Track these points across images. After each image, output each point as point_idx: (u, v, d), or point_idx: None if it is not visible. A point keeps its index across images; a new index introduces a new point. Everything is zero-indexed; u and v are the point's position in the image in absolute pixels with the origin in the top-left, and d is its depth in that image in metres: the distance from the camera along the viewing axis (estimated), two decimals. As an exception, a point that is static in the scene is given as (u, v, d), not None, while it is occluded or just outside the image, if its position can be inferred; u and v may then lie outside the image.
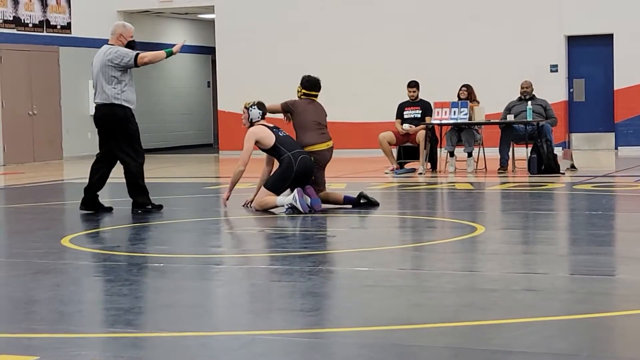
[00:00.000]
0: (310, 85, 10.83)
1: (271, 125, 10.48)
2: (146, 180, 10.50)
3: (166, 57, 10.47)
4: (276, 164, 10.44)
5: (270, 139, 10.30)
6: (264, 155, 10.61)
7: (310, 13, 21.35)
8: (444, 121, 15.06)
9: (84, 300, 6.13)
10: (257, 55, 21.57)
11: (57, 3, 21.29)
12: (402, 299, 5.80)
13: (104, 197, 10.74)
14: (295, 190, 10.03)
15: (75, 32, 21.67)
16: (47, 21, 21.04)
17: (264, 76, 21.16)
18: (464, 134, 15.25)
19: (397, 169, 15.42)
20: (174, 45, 10.54)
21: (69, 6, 21.62)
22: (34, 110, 20.58)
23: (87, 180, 10.52)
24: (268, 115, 10.60)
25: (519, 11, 19.91)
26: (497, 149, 15.04)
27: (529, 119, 14.68)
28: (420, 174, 14.82)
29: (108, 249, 8.15)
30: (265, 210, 10.18)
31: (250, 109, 10.51)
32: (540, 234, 8.66)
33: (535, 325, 4.98)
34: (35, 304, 5.88)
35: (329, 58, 20.35)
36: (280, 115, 10.98)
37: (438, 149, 15.49)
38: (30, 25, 20.64)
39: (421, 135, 15.18)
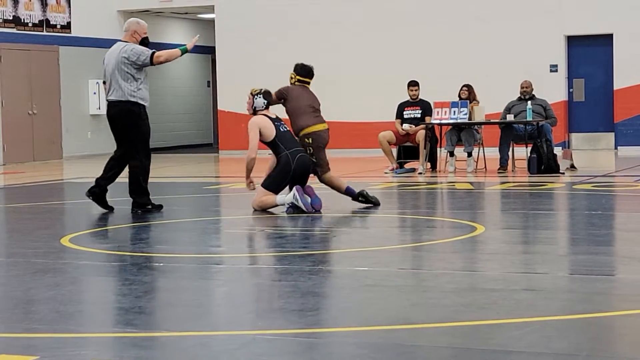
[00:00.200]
0: (305, 72, 10.94)
1: (274, 116, 10.41)
2: (146, 180, 10.50)
3: (181, 55, 10.47)
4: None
5: (271, 132, 10.24)
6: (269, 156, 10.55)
7: (311, 13, 21.35)
8: (443, 121, 15.06)
9: (84, 300, 6.13)
10: (257, 55, 21.57)
11: (56, 2, 21.29)
12: (402, 298, 5.80)
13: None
14: (295, 188, 10.01)
15: (75, 32, 21.68)
16: (47, 21, 21.04)
17: (264, 76, 21.10)
18: (463, 133, 15.25)
19: (396, 168, 15.43)
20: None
21: (69, 6, 21.62)
22: (34, 110, 20.58)
23: (88, 180, 10.51)
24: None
25: (519, 11, 19.91)
26: (497, 148, 15.04)
27: (529, 118, 14.69)
28: (420, 173, 14.82)
29: (108, 249, 8.15)
30: (265, 209, 10.17)
31: (255, 96, 10.46)
32: (540, 234, 8.66)
33: (535, 324, 4.98)
34: (35, 303, 5.88)
35: (329, 58, 20.33)
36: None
37: (438, 149, 15.49)
38: (30, 24, 20.64)
39: (421, 135, 15.19)
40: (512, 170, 14.93)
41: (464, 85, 15.73)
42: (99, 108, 21.76)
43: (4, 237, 9.37)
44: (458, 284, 6.19)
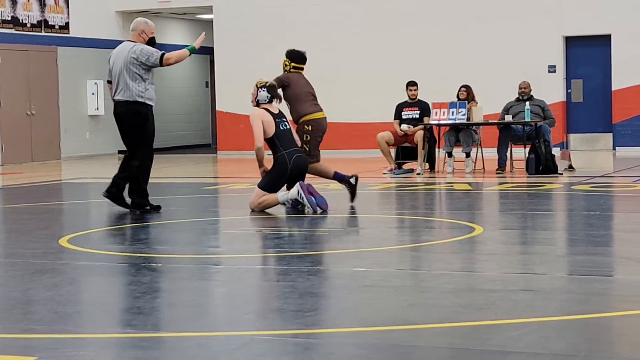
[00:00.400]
0: (299, 57, 11.06)
1: (276, 112, 10.32)
2: (145, 181, 10.50)
3: (189, 55, 10.45)
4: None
5: (270, 127, 10.16)
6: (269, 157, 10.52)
7: (310, 13, 21.35)
8: (442, 121, 15.07)
9: (82, 301, 6.13)
10: (256, 55, 21.55)
11: (55, 3, 21.28)
12: (400, 299, 5.81)
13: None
14: (298, 185, 9.94)
15: (74, 32, 21.67)
16: (45, 21, 21.03)
17: (263, 76, 21.10)
18: (462, 134, 15.25)
19: (395, 169, 15.43)
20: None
21: (67, 6, 21.61)
22: (32, 110, 20.58)
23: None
24: None
25: (517, 12, 19.92)
26: (495, 149, 15.04)
27: (527, 119, 14.69)
28: (419, 174, 14.83)
29: (107, 250, 8.15)
30: (264, 210, 10.16)
31: (260, 89, 10.40)
32: (538, 235, 8.66)
33: (533, 325, 4.98)
34: (33, 304, 5.88)
35: (328, 58, 20.33)
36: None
37: (436, 150, 15.49)
38: (29, 25, 20.64)
39: (419, 135, 15.19)
40: (510, 171, 14.94)
41: (462, 86, 15.74)
42: (98, 108, 21.76)
43: (3, 237, 9.36)
44: (456, 284, 6.20)
